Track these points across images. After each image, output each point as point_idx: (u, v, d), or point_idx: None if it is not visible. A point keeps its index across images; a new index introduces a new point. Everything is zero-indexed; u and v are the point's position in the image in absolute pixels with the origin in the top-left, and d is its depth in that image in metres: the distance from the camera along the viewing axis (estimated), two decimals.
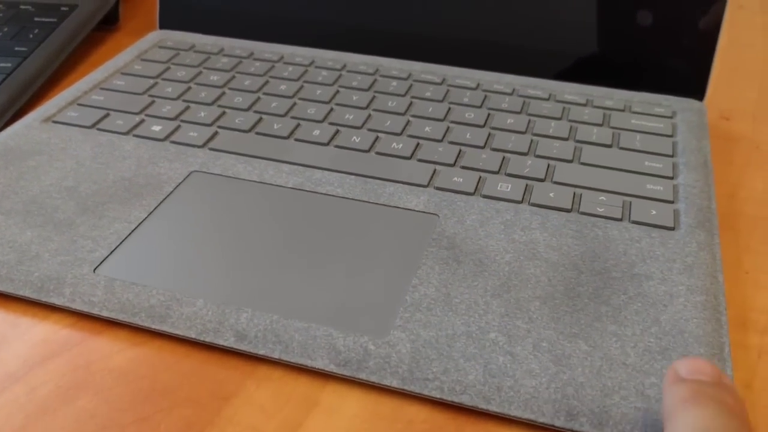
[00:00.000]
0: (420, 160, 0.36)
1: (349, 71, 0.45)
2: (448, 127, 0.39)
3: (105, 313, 0.27)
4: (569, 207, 0.33)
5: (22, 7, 0.52)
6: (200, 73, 0.45)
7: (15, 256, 0.30)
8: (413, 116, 0.40)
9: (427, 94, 0.43)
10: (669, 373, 0.22)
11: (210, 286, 0.28)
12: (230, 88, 0.43)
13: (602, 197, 0.34)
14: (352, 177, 0.35)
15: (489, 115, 0.41)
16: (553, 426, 0.24)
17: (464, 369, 0.25)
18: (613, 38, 0.43)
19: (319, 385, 0.26)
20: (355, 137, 0.38)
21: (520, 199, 0.33)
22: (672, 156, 0.37)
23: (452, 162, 0.36)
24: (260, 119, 0.40)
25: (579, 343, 0.26)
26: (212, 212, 0.32)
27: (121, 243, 0.30)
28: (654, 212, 0.33)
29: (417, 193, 0.34)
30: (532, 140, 0.38)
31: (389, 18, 0.46)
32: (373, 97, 0.42)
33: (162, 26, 0.51)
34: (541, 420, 0.24)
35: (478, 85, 0.44)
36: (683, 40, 0.42)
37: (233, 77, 0.45)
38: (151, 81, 0.44)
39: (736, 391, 0.21)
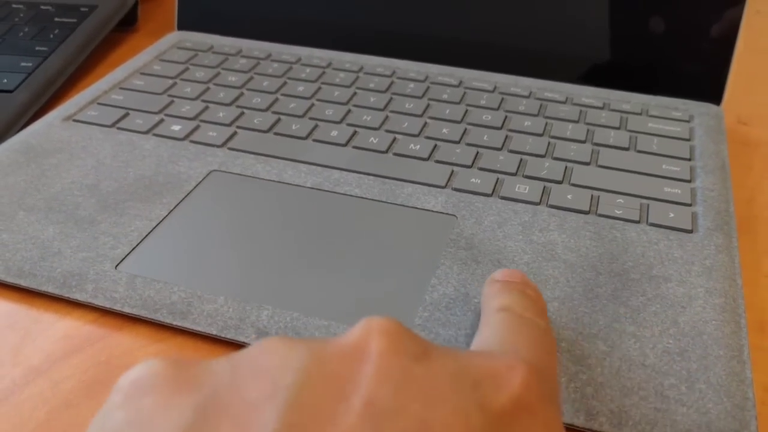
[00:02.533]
0: (438, 162, 0.37)
1: (366, 73, 0.45)
2: (465, 129, 0.39)
3: (127, 309, 0.28)
4: (587, 209, 0.33)
5: (43, 7, 0.53)
6: (219, 73, 0.45)
7: (38, 252, 0.30)
8: (431, 118, 0.41)
9: (444, 97, 0.43)
10: (487, 280, 0.26)
11: (230, 284, 0.28)
12: (248, 89, 0.44)
13: (620, 199, 0.34)
14: (370, 177, 0.35)
15: (506, 117, 0.41)
16: (572, 425, 0.24)
17: None
18: (630, 42, 0.43)
19: None
20: (372, 138, 0.38)
21: (538, 200, 0.34)
22: (689, 159, 0.37)
23: (470, 163, 0.36)
24: (279, 120, 0.40)
25: (598, 344, 0.26)
26: (232, 211, 0.33)
27: (142, 240, 0.31)
28: (672, 215, 0.33)
29: (435, 194, 0.34)
30: (549, 142, 0.38)
31: (406, 21, 0.47)
32: (391, 98, 0.43)
33: (180, 27, 0.52)
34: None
35: (495, 87, 0.44)
36: (700, 44, 0.42)
37: (251, 78, 0.45)
38: (170, 81, 0.44)
39: (538, 290, 0.25)
